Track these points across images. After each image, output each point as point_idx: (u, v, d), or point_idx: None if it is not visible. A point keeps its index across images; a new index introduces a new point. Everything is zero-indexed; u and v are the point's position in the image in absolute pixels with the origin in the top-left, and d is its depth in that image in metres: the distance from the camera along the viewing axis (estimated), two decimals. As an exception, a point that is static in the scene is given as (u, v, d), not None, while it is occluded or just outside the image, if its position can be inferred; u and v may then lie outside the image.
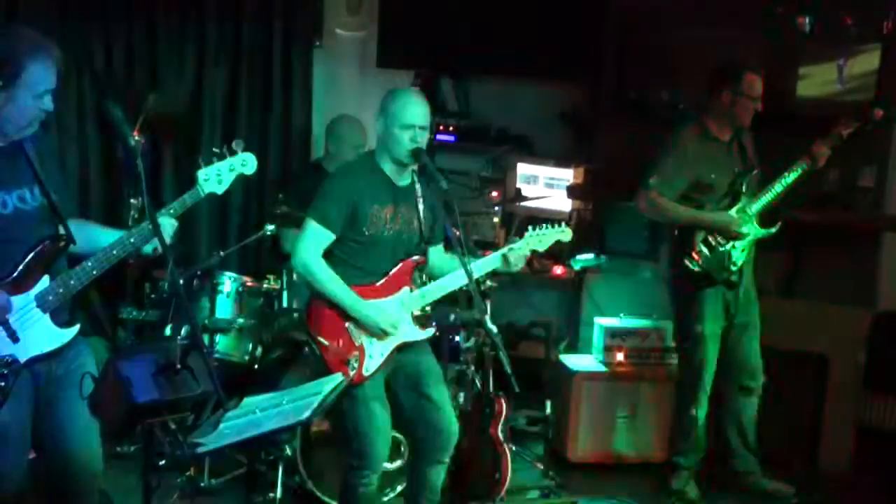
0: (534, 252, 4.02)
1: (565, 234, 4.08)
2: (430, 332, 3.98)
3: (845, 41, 5.30)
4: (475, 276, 3.83)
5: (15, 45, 3.01)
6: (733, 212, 4.62)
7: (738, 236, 4.61)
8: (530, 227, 4.02)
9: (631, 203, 4.83)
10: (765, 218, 4.69)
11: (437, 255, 4.04)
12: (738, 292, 4.70)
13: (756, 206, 4.64)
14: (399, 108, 3.77)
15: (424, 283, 4.00)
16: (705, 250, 4.61)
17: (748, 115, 4.63)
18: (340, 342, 3.80)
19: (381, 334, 3.82)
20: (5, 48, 2.99)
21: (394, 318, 3.83)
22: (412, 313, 3.92)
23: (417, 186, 3.92)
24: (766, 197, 4.64)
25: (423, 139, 3.80)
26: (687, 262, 4.64)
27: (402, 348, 3.89)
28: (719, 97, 4.63)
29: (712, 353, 4.72)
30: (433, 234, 3.99)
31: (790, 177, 4.61)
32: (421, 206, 3.91)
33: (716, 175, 4.65)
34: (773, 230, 4.68)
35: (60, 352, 3.15)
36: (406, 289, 3.90)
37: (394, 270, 3.88)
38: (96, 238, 3.20)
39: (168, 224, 3.18)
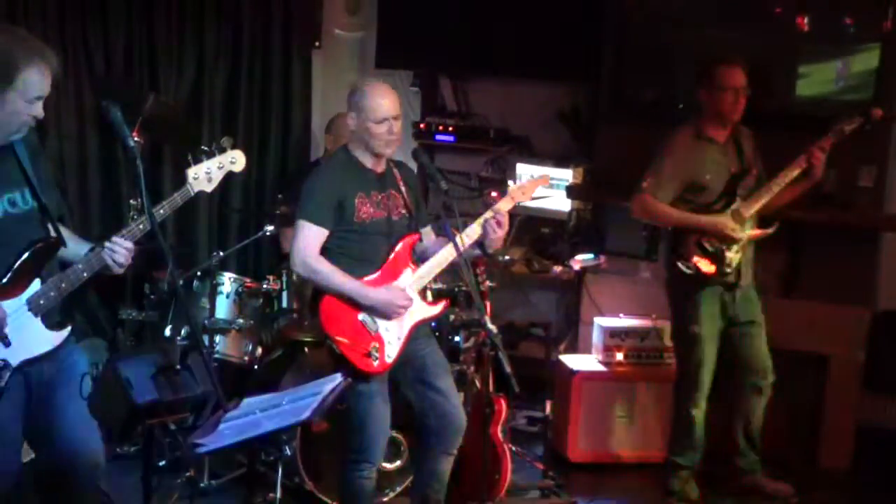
0: (518, 206, 4.04)
1: (543, 180, 4.13)
2: (441, 306, 4.02)
3: (844, 40, 5.30)
4: (469, 242, 3.89)
5: (11, 47, 2.97)
6: (728, 213, 4.59)
7: (731, 238, 4.57)
8: (511, 182, 4.06)
9: (626, 204, 4.83)
10: (764, 218, 4.67)
11: (430, 240, 4.07)
12: (736, 293, 4.69)
13: (753, 207, 4.61)
14: (369, 103, 3.82)
15: (419, 264, 4.00)
16: (699, 253, 4.59)
17: (731, 107, 4.58)
18: (357, 336, 3.81)
19: (398, 311, 3.83)
20: (1, 49, 2.95)
21: (405, 292, 3.86)
22: (419, 292, 3.94)
23: (394, 171, 3.97)
24: (764, 197, 4.61)
25: (398, 129, 3.86)
26: (681, 265, 4.63)
27: (410, 339, 3.91)
28: (700, 96, 4.66)
29: (709, 354, 4.71)
30: (420, 214, 4.03)
31: (787, 177, 4.58)
32: (403, 188, 3.95)
33: (710, 176, 4.63)
34: (770, 231, 4.65)
35: (52, 353, 3.13)
36: (408, 270, 3.93)
37: (392, 255, 3.91)
38: (74, 247, 3.18)
39: (121, 247, 3.09)
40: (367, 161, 3.90)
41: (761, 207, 4.63)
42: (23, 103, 2.97)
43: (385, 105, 3.83)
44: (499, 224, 3.90)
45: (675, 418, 4.90)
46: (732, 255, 4.59)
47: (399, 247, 3.92)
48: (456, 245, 3.76)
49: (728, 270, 4.60)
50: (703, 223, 4.59)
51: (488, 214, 3.92)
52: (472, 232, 3.93)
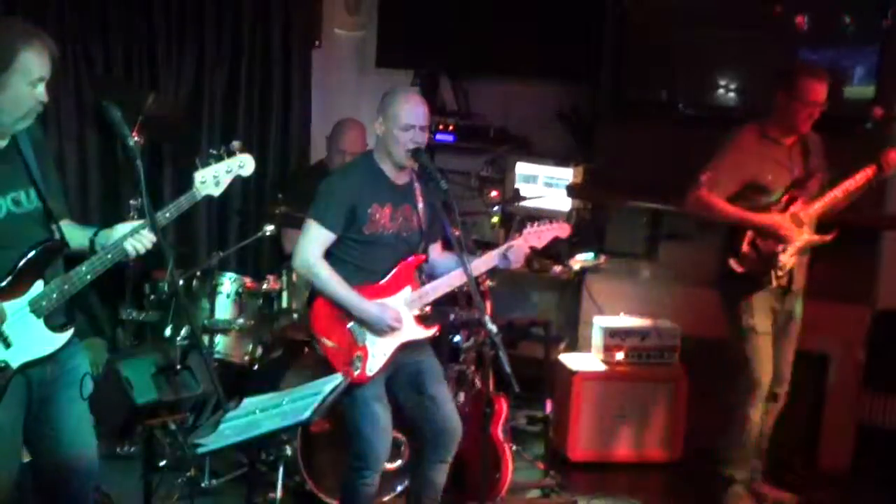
0: (532, 248, 4.00)
1: (563, 230, 4.07)
2: (433, 330, 3.98)
3: (844, 40, 5.29)
4: (475, 274, 3.85)
5: (7, 32, 2.99)
6: (787, 215, 4.48)
7: (786, 240, 4.46)
8: (528, 224, 4.02)
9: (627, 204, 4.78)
10: (823, 224, 4.54)
11: (436, 253, 4.05)
12: (787, 298, 4.58)
13: (813, 211, 4.49)
14: (399, 109, 3.78)
15: (423, 282, 3.99)
16: (752, 252, 4.48)
17: (802, 120, 4.44)
18: (344, 342, 3.81)
19: (387, 331, 3.82)
20: None
21: (398, 313, 3.84)
22: (414, 312, 3.92)
23: (416, 185, 3.92)
24: (825, 202, 4.49)
25: (422, 139, 3.81)
26: (732, 263, 4.51)
27: (404, 348, 3.89)
28: (776, 99, 4.50)
29: (765, 350, 4.58)
30: (432, 232, 3.99)
31: (853, 183, 4.46)
32: (420, 205, 3.92)
33: (773, 177, 4.50)
34: (828, 238, 4.51)
35: (54, 355, 3.12)
36: (408, 288, 3.91)
37: (395, 270, 3.88)
38: (75, 238, 3.17)
39: (146, 238, 3.11)
40: (390, 171, 3.86)
41: (821, 213, 4.51)
42: (26, 86, 2.97)
43: (414, 113, 3.78)
44: (521, 255, 3.92)
45: (729, 421, 4.68)
46: (786, 259, 4.48)
47: (404, 264, 3.90)
48: (467, 272, 3.69)
49: (780, 274, 4.50)
50: (758, 222, 4.47)
51: (502, 253, 3.92)
52: (486, 262, 3.92)
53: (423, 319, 3.96)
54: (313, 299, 3.88)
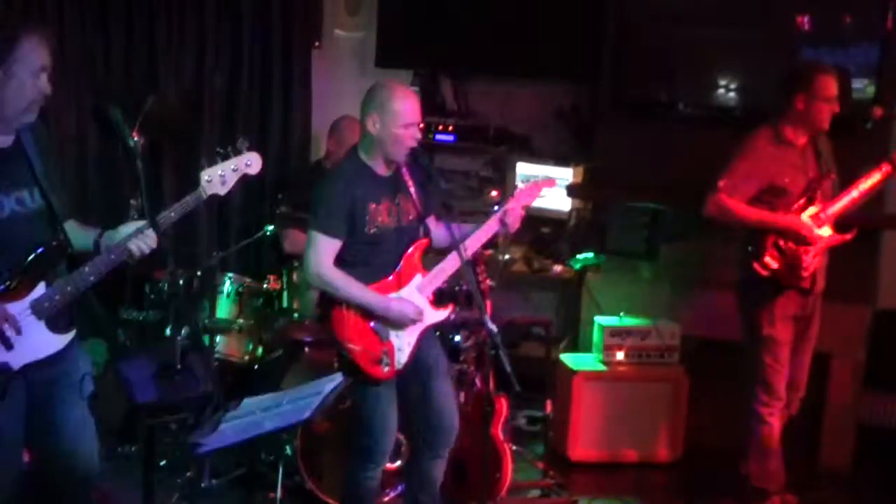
0: (525, 208, 4.04)
1: (549, 182, 4.19)
2: (448, 310, 4.02)
3: (844, 40, 5.29)
4: (478, 246, 3.95)
5: (6, 22, 3.03)
6: (806, 216, 4.47)
7: (809, 241, 4.45)
8: (519, 185, 4.06)
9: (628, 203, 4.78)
10: (840, 223, 4.51)
11: (435, 229, 4.04)
12: (810, 300, 4.57)
13: (831, 211, 4.48)
14: (399, 106, 3.75)
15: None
16: (775, 255, 4.46)
17: (825, 118, 4.44)
18: (369, 343, 3.82)
19: (410, 325, 3.85)
20: None
21: (418, 305, 3.87)
22: (429, 297, 3.95)
23: (403, 169, 3.92)
24: (842, 202, 4.48)
25: (419, 134, 3.82)
26: (757, 267, 4.48)
27: (422, 337, 3.93)
28: (794, 102, 4.45)
29: (783, 357, 4.56)
30: (427, 208, 4.00)
31: (868, 182, 4.46)
32: (412, 189, 3.92)
33: (789, 179, 4.49)
34: (848, 237, 4.50)
35: (55, 356, 3.12)
36: (418, 275, 3.93)
37: (403, 261, 3.90)
38: (79, 239, 3.17)
39: (150, 238, 3.11)
40: (378, 166, 3.85)
41: (839, 213, 4.49)
42: (28, 76, 2.96)
43: (414, 109, 3.78)
44: (517, 217, 3.97)
45: (750, 431, 4.65)
46: (810, 260, 4.46)
47: (409, 252, 3.91)
48: (460, 253, 3.75)
49: (804, 275, 4.48)
50: (780, 223, 4.45)
51: (500, 214, 3.96)
52: (486, 231, 3.96)
53: (436, 301, 4.00)
54: (330, 308, 3.85)
